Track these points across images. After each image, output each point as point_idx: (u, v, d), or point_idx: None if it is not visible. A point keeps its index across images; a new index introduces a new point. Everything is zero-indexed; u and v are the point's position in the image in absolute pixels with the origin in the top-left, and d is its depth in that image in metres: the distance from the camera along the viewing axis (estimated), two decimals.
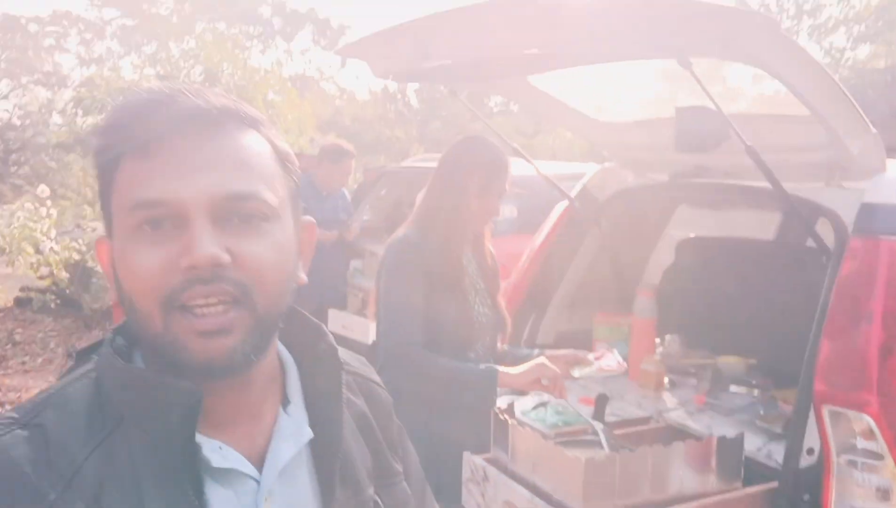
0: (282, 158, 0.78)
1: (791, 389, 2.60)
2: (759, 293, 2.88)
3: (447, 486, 2.18)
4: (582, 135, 2.91)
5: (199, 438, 0.74)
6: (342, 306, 5.17)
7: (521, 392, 2.35)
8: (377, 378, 0.95)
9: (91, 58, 20.71)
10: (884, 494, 1.81)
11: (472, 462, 2.19)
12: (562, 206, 3.08)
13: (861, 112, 1.94)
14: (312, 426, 0.82)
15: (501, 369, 2.16)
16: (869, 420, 1.81)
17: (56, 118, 21.39)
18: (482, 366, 2.19)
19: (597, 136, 2.89)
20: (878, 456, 1.82)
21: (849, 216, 2.06)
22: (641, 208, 3.07)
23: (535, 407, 2.40)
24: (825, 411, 1.88)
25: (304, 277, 0.82)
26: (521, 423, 2.19)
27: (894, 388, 1.82)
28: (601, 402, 2.33)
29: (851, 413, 1.86)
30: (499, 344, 2.49)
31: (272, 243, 0.74)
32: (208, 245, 0.69)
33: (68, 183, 15.73)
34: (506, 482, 2.06)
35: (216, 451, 0.75)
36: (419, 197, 2.40)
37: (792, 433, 2.00)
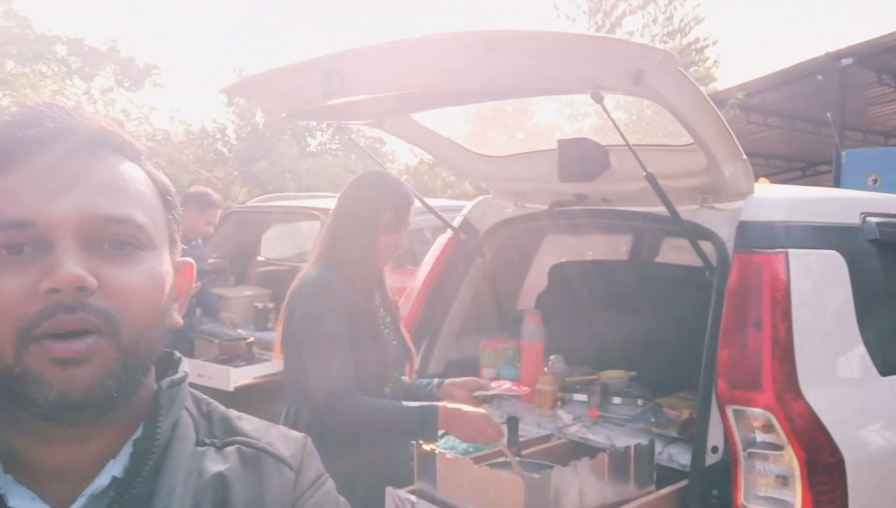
0: (161, 190, 0.75)
1: (672, 396, 2.83)
2: (632, 310, 3.11)
3: None
4: (463, 168, 3.00)
5: (10, 485, 0.68)
6: (188, 354, 4.92)
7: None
8: (282, 453, 0.80)
9: None
10: (784, 481, 2.01)
11: (397, 495, 2.17)
12: (444, 237, 3.15)
13: (735, 140, 2.17)
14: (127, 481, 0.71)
15: (443, 405, 2.15)
16: (769, 416, 2.01)
17: None
18: (424, 405, 2.17)
19: (478, 169, 2.99)
20: (777, 447, 2.02)
21: (726, 234, 2.30)
22: (518, 236, 3.21)
23: (442, 436, 2.43)
24: (729, 410, 2.07)
25: (179, 319, 0.78)
26: None
27: (786, 385, 2.04)
28: (512, 424, 2.39)
29: (751, 411, 2.05)
30: (405, 376, 2.49)
31: (145, 272, 0.69)
32: (73, 266, 0.64)
33: None
34: None
35: (28, 503, 0.69)
36: (321, 234, 2.36)
37: (697, 434, 2.18)
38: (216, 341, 4.79)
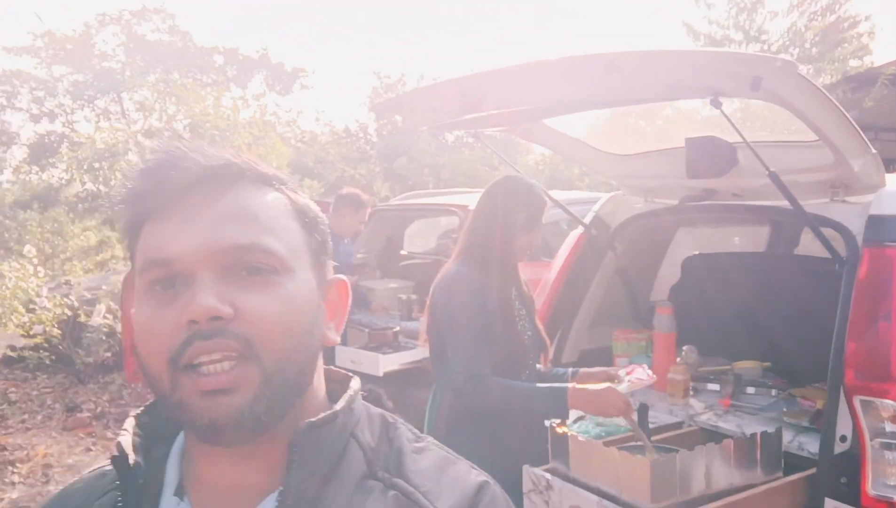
0: (300, 213, 0.77)
1: (806, 387, 2.86)
2: (767, 301, 3.14)
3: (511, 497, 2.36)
4: (593, 167, 3.15)
5: (175, 503, 0.74)
6: (343, 343, 5.31)
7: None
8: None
9: (42, 112, 20.49)
10: None
11: (533, 473, 2.37)
12: (577, 232, 3.31)
13: (862, 135, 2.21)
14: None
15: (572, 386, 2.33)
16: None
17: (7, 175, 21.08)
18: (555, 385, 2.37)
19: (607, 168, 3.13)
20: None
21: (856, 228, 2.33)
22: (650, 230, 3.32)
23: (575, 421, 2.61)
24: (856, 401, 2.12)
25: (333, 337, 0.79)
26: None
27: None
28: (643, 411, 2.53)
29: (880, 402, 2.10)
30: (539, 365, 2.68)
31: (280, 296, 0.71)
32: (206, 298, 0.67)
33: (25, 241, 15.54)
34: (571, 488, 2.25)
35: None
36: (462, 232, 2.59)
37: (825, 423, 2.24)
38: (366, 330, 5.15)
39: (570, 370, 2.66)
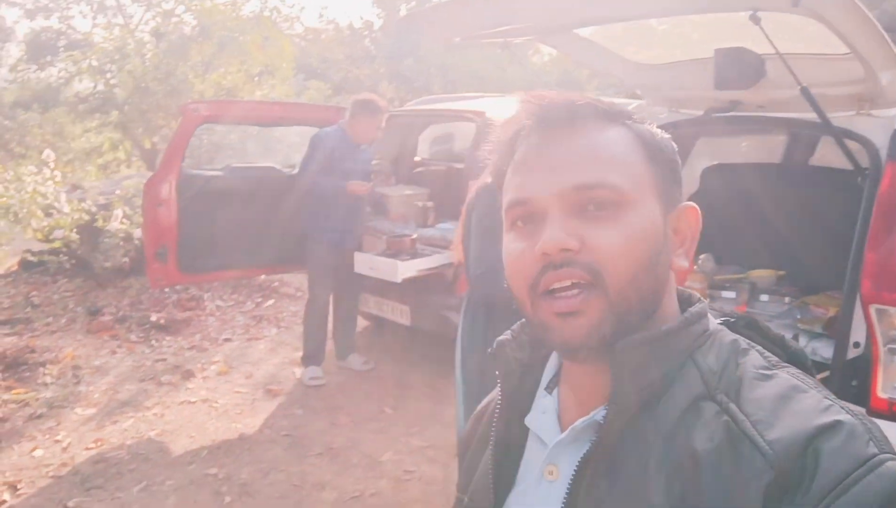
0: (645, 145, 0.80)
1: (819, 294, 2.97)
2: (783, 212, 3.21)
3: None
4: (621, 78, 3.15)
5: (543, 395, 0.86)
6: (360, 249, 5.42)
7: None
8: (762, 441, 0.67)
9: (37, 7, 19.94)
10: None
11: None
12: None
13: (894, 48, 2.22)
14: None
15: None
16: None
17: (3, 73, 20.67)
18: None
19: (634, 78, 3.13)
20: None
21: (881, 141, 2.37)
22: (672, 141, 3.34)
23: None
24: (872, 309, 2.23)
25: (682, 263, 0.82)
26: None
27: None
28: None
29: (895, 310, 2.20)
30: None
31: (624, 227, 0.75)
32: (555, 233, 0.74)
33: (26, 142, 15.44)
34: None
35: (538, 411, 0.86)
36: None
37: (840, 330, 2.35)
38: (384, 236, 5.23)
39: None
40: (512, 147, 0.83)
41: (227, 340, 5.94)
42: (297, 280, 7.34)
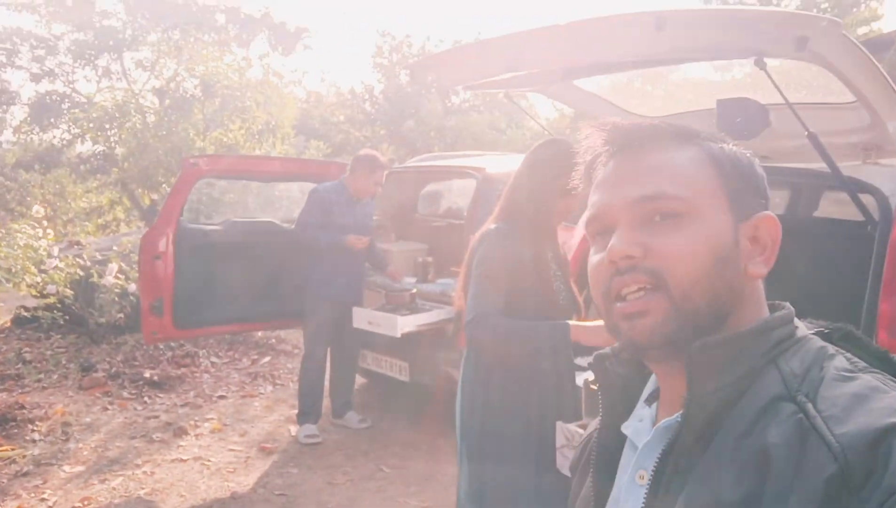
0: (716, 160, 0.84)
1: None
2: (791, 264, 3.16)
3: (545, 453, 2.43)
4: None
5: (642, 407, 0.89)
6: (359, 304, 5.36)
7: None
8: (831, 434, 0.66)
9: (43, 71, 20.28)
10: None
11: (567, 430, 2.41)
12: None
13: None
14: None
15: (573, 323, 2.39)
16: None
17: (7, 136, 20.89)
18: (556, 321, 2.42)
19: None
20: None
21: (889, 190, 2.35)
22: None
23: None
24: None
25: (757, 269, 0.83)
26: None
27: None
28: None
29: None
30: None
31: (687, 233, 0.80)
32: (619, 242, 0.81)
33: (27, 202, 15.48)
34: None
35: (635, 419, 0.89)
36: (504, 193, 2.60)
37: None
38: (383, 291, 5.18)
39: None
40: (591, 172, 0.89)
41: (221, 397, 5.81)
42: (293, 337, 7.25)
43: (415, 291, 4.99)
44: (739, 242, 0.82)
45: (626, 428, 0.89)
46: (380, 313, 4.88)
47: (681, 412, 0.79)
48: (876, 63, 2.09)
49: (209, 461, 4.53)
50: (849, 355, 0.77)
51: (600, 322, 2.36)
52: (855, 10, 11.94)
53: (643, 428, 0.87)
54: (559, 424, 2.44)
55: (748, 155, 0.88)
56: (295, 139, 11.55)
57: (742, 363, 0.77)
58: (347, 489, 4.11)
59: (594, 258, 0.85)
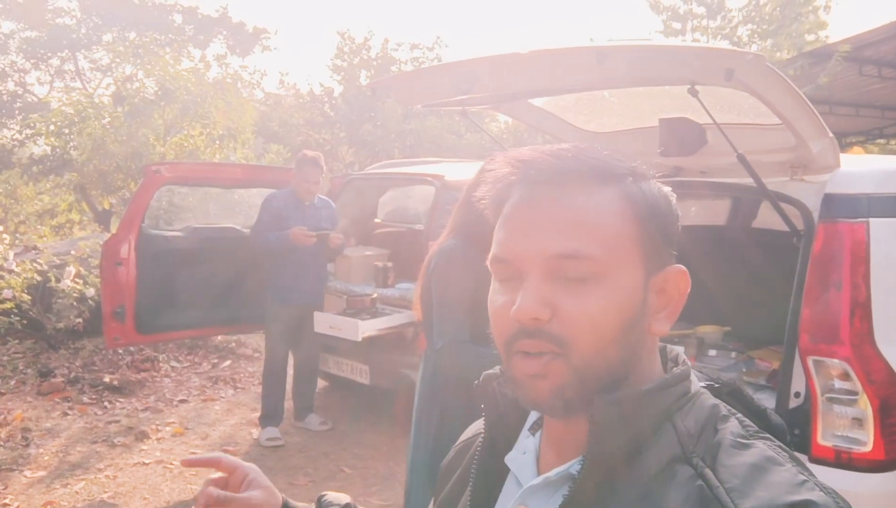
0: (637, 206, 0.79)
1: (763, 349, 3.12)
2: (727, 271, 3.38)
3: None
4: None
5: (526, 435, 0.87)
6: (321, 306, 5.46)
7: None
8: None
9: None
10: (859, 423, 2.30)
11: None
12: None
13: (821, 119, 2.42)
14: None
15: None
16: (845, 366, 2.30)
17: None
18: None
19: (585, 144, 3.31)
20: (853, 393, 2.31)
21: (813, 204, 2.55)
22: None
23: None
24: (810, 361, 2.37)
25: (661, 327, 0.81)
26: None
27: (862, 339, 2.32)
28: None
29: (830, 361, 2.34)
30: None
31: (598, 298, 0.76)
32: (528, 302, 0.76)
33: None
34: None
35: (518, 451, 0.87)
36: (456, 207, 2.73)
37: (781, 381, 2.48)
38: (344, 296, 5.29)
39: None
40: (501, 200, 0.83)
41: (182, 401, 5.87)
42: (254, 341, 7.31)
43: (375, 295, 5.11)
44: (647, 298, 0.79)
45: (511, 461, 0.87)
46: (341, 317, 4.99)
47: (572, 464, 0.79)
48: (797, 90, 2.29)
49: (171, 464, 4.60)
50: (740, 416, 0.79)
51: None
52: (802, 19, 12.38)
53: (527, 463, 0.86)
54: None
55: (666, 194, 0.83)
56: (254, 142, 11.57)
57: (643, 420, 0.76)
58: (309, 490, 4.23)
59: (498, 299, 0.81)
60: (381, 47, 16.67)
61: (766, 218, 4.22)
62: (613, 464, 0.76)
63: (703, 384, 0.84)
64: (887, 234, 2.44)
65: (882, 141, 16.00)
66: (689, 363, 0.85)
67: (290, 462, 4.65)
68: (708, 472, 0.72)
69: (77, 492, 4.17)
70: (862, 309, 2.33)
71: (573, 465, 0.79)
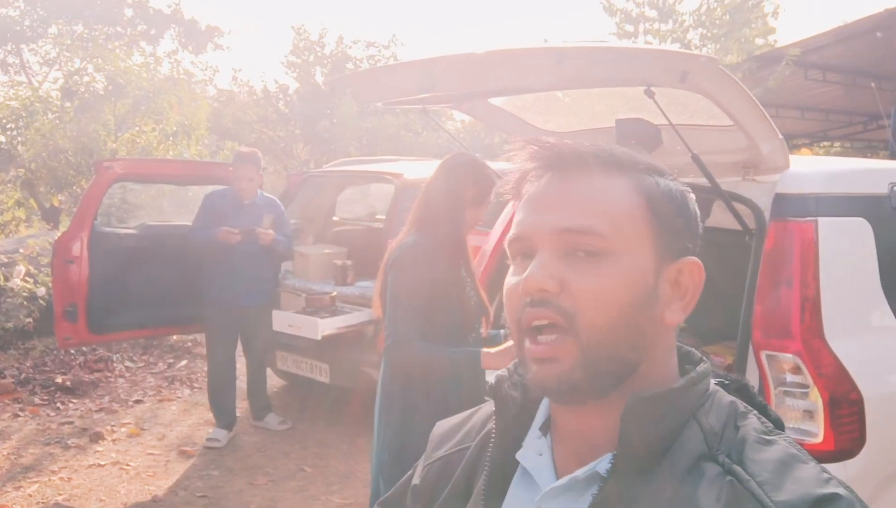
0: (648, 196, 0.81)
1: (718, 344, 3.20)
2: None
3: None
4: None
5: (537, 436, 0.86)
6: (266, 307, 5.40)
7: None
8: (770, 501, 0.70)
9: None
10: (810, 415, 2.39)
11: None
12: (511, 206, 3.54)
13: (771, 121, 2.50)
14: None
15: (484, 350, 2.57)
16: (797, 360, 2.38)
17: None
18: (470, 349, 2.59)
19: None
20: (804, 387, 2.39)
21: (764, 204, 2.63)
22: None
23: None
24: (763, 355, 2.45)
25: (674, 317, 0.81)
26: None
27: (812, 334, 2.41)
28: None
29: (782, 356, 2.43)
30: (483, 329, 2.91)
31: (607, 275, 0.77)
32: (536, 273, 0.77)
33: None
34: None
35: (532, 450, 0.86)
36: (415, 205, 2.75)
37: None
38: (302, 295, 5.27)
39: (503, 331, 2.91)
40: (520, 187, 0.86)
41: (137, 401, 5.78)
42: None
43: (334, 293, 5.10)
44: (659, 286, 0.80)
45: (524, 459, 0.86)
46: (300, 315, 4.97)
47: (599, 463, 0.79)
48: (748, 91, 2.37)
49: (128, 465, 4.53)
50: (755, 412, 0.81)
51: (508, 344, 2.55)
52: (751, 24, 12.70)
53: (544, 464, 0.85)
54: None
55: (683, 191, 0.85)
56: (208, 139, 11.41)
57: (671, 418, 0.77)
58: (269, 489, 4.21)
59: (511, 280, 0.82)
60: (335, 45, 16.59)
61: (719, 217, 4.33)
62: (644, 463, 0.75)
63: (714, 381, 0.85)
64: (835, 232, 2.54)
65: (827, 143, 16.51)
66: (705, 359, 0.86)
67: (250, 461, 4.61)
68: (737, 468, 0.73)
69: (30, 495, 4.08)
70: (812, 305, 2.42)
71: (601, 464, 0.78)
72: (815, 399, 2.37)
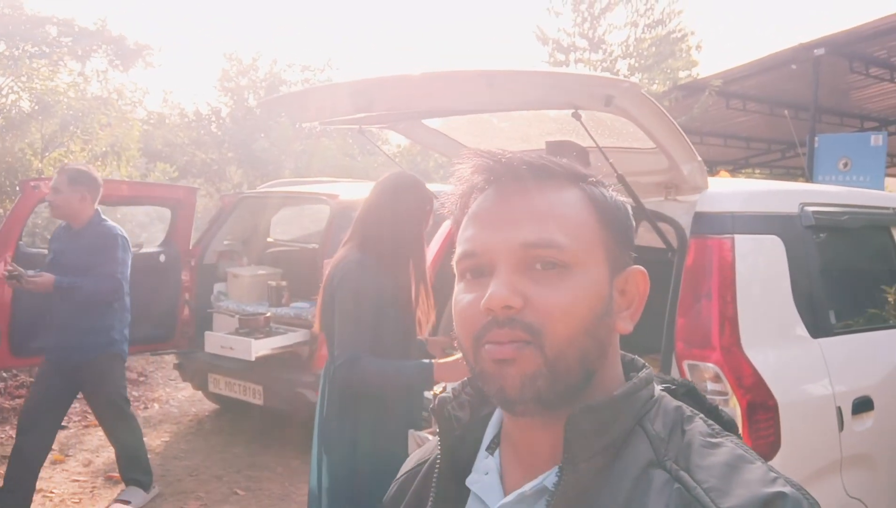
0: (599, 208, 0.82)
1: (645, 357, 3.32)
2: None
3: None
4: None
5: (484, 456, 0.86)
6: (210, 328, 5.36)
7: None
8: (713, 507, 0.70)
9: None
10: None
11: (418, 436, 2.65)
12: (447, 224, 3.62)
13: (691, 144, 2.64)
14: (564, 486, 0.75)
15: (436, 361, 2.62)
16: (716, 369, 2.51)
17: None
18: (421, 362, 2.63)
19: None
20: (723, 394, 2.52)
21: (685, 222, 2.77)
22: None
23: (443, 390, 2.92)
24: (685, 365, 2.56)
25: (626, 325, 0.83)
26: None
27: (730, 344, 2.54)
28: None
29: (703, 365, 2.55)
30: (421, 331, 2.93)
31: (568, 288, 0.76)
32: (500, 290, 0.75)
33: None
34: None
35: (479, 472, 0.85)
36: (355, 223, 2.78)
37: None
38: (236, 315, 5.22)
39: (427, 338, 2.96)
40: (466, 201, 0.84)
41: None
42: (138, 364, 7.06)
43: (269, 314, 5.08)
44: (612, 296, 0.81)
45: (473, 483, 0.85)
46: (233, 336, 4.94)
47: (546, 476, 0.78)
48: (670, 117, 2.50)
49: (52, 492, 4.39)
50: (701, 415, 0.81)
51: (458, 356, 2.59)
52: (676, 56, 13.23)
53: (491, 483, 0.84)
54: (411, 432, 2.66)
55: (623, 201, 0.87)
56: (138, 161, 11.18)
57: (614, 427, 0.77)
58: None
59: (464, 298, 0.80)
60: (269, 67, 16.51)
61: (644, 236, 4.50)
62: (591, 474, 0.75)
63: (660, 386, 0.85)
64: (751, 248, 2.69)
65: (748, 170, 17.23)
66: (648, 365, 0.87)
67: (181, 486, 4.52)
68: (683, 474, 0.73)
69: None
70: (730, 317, 2.55)
71: (548, 477, 0.78)
72: (734, 406, 2.49)
